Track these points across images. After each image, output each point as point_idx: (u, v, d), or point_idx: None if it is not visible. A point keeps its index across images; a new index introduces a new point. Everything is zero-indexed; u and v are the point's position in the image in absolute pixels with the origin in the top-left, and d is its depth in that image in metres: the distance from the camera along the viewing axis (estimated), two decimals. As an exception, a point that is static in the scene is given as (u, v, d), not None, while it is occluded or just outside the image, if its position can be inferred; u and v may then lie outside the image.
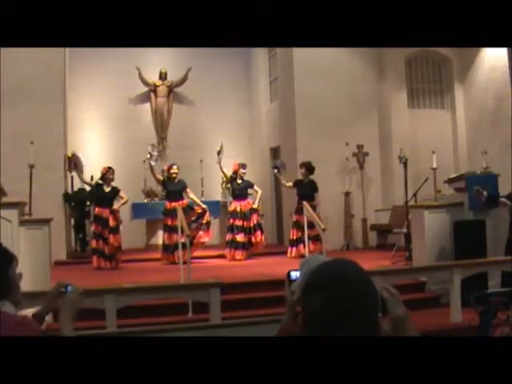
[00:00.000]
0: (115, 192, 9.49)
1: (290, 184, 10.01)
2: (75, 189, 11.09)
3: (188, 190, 9.77)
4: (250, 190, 10.29)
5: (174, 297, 6.08)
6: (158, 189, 11.82)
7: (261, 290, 6.72)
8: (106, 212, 9.35)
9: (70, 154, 10.59)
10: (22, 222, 6.39)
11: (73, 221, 10.88)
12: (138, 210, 11.95)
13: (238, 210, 9.93)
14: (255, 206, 10.01)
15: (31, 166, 9.09)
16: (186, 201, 9.58)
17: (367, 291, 1.46)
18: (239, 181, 10.11)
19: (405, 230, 8.91)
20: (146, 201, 11.95)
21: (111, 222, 9.29)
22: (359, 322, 1.42)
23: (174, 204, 9.41)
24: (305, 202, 9.12)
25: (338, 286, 1.44)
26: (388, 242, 11.05)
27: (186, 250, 7.20)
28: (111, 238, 9.24)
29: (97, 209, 9.51)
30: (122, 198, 9.53)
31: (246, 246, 9.90)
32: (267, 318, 4.53)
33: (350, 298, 1.42)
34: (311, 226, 9.22)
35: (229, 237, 9.97)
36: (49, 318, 2.63)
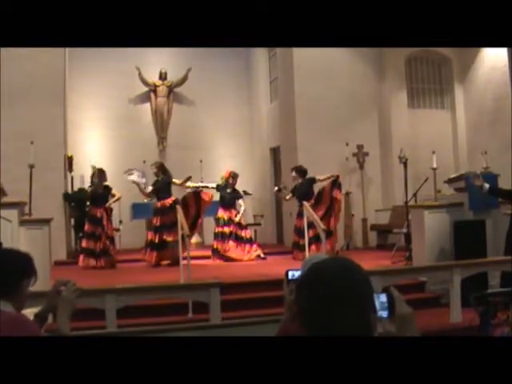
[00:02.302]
0: (107, 191, 9.58)
1: (290, 195, 9.92)
2: (75, 189, 11.10)
3: (175, 180, 9.82)
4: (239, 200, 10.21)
5: (174, 297, 6.07)
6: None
7: (260, 290, 6.71)
8: (99, 211, 9.45)
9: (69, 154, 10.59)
10: (22, 222, 6.40)
11: (73, 221, 10.88)
12: (138, 209, 11.94)
13: (226, 218, 9.94)
14: (237, 219, 9.95)
15: (31, 166, 9.09)
16: (171, 199, 9.57)
17: (362, 290, 1.45)
18: (229, 190, 10.07)
19: (405, 230, 8.91)
20: (145, 201, 11.94)
21: (104, 221, 9.42)
22: (351, 320, 1.41)
23: (161, 202, 9.60)
24: (304, 203, 9.09)
25: (332, 283, 1.43)
26: (388, 242, 11.05)
27: (186, 249, 7.20)
28: (102, 236, 9.36)
29: (91, 209, 9.63)
30: (113, 195, 9.59)
31: (245, 243, 9.86)
32: (267, 318, 4.53)
33: (341, 295, 1.42)
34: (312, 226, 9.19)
35: (216, 244, 9.91)
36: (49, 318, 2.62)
